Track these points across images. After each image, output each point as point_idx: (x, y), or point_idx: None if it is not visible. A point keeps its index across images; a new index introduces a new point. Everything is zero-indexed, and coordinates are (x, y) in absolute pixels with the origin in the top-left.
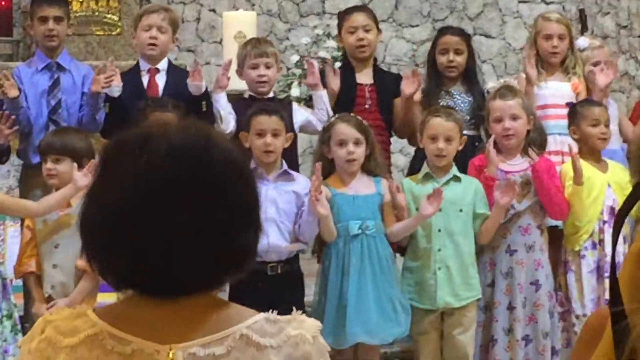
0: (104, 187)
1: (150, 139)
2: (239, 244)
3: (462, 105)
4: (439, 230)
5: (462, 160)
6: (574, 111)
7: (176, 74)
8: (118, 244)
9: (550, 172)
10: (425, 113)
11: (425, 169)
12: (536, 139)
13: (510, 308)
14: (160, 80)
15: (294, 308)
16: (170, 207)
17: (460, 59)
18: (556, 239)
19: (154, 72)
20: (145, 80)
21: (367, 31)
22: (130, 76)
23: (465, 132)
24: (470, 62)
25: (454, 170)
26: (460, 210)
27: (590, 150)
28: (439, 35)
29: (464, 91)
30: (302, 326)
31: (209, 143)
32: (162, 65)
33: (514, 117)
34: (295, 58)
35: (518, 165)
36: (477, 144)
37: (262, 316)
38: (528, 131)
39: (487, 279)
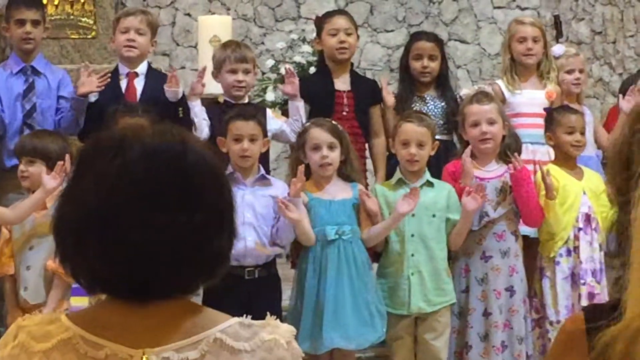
0: (79, 188)
1: (125, 142)
2: (212, 248)
3: (435, 110)
4: (412, 236)
5: (436, 165)
6: (551, 117)
7: (155, 78)
8: (91, 245)
9: (529, 180)
10: (397, 118)
11: (397, 174)
12: (511, 145)
13: (486, 314)
14: (139, 84)
15: (268, 313)
16: (143, 209)
17: (434, 65)
18: (531, 245)
19: (132, 76)
20: (123, 84)
21: (348, 34)
22: (109, 80)
23: (438, 137)
24: (444, 68)
25: (427, 176)
26: (434, 216)
27: (565, 157)
28: (412, 40)
29: (437, 96)
30: (276, 331)
31: (185, 147)
32: (141, 69)
33: (491, 122)
34: (270, 62)
35: (493, 172)
36: (450, 149)
37: (235, 320)
38: (503, 137)
39: (461, 285)
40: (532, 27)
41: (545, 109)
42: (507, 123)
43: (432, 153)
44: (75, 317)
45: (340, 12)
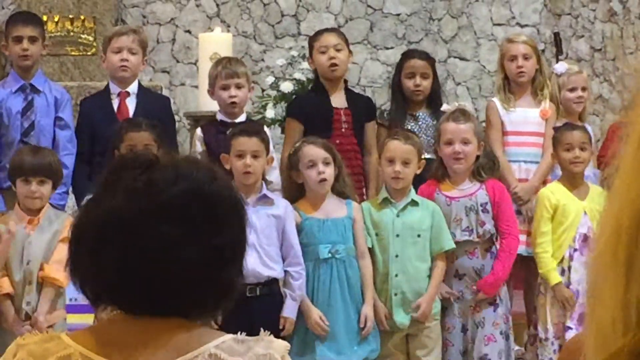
0: (103, 199)
1: (157, 161)
2: (223, 277)
3: (427, 128)
4: (396, 256)
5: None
6: (554, 136)
7: (147, 97)
8: (108, 254)
9: (503, 196)
10: (384, 136)
11: (383, 192)
12: (485, 165)
13: (464, 330)
14: (131, 103)
15: (262, 329)
16: (163, 225)
17: (426, 83)
18: (528, 263)
19: (124, 95)
20: (115, 103)
21: (338, 50)
22: (101, 100)
23: (429, 156)
24: (436, 86)
25: (412, 195)
26: (418, 236)
27: (568, 175)
28: (404, 59)
29: (429, 114)
30: (271, 346)
31: (213, 176)
32: (132, 88)
33: (465, 142)
34: (270, 79)
35: (466, 190)
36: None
37: (230, 336)
38: (477, 156)
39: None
40: (523, 45)
41: (553, 129)
42: (482, 143)
43: (418, 172)
44: (75, 335)
45: (329, 29)
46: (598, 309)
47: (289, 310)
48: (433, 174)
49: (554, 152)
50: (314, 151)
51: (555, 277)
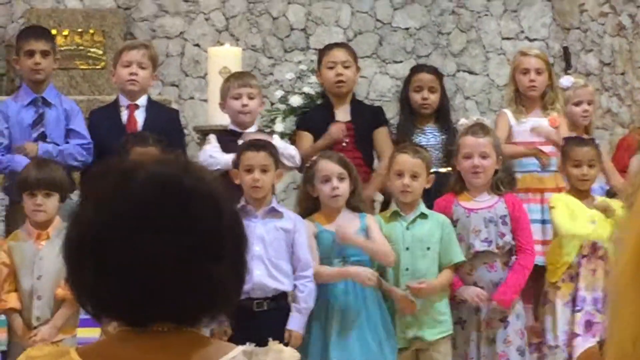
0: (84, 213)
1: (130, 169)
2: (207, 275)
3: (435, 143)
4: (407, 270)
5: (434, 198)
6: (563, 150)
7: (156, 109)
8: (92, 269)
9: (521, 212)
10: (393, 150)
11: (393, 206)
12: (504, 179)
13: (480, 345)
14: (140, 116)
15: (270, 338)
16: (142, 233)
17: (434, 97)
18: (542, 273)
19: (133, 108)
20: (124, 116)
21: (346, 67)
22: (109, 112)
23: (437, 169)
24: (443, 100)
25: (422, 208)
26: (428, 249)
27: (576, 190)
28: (412, 73)
29: (437, 129)
30: (281, 356)
31: (184, 172)
32: (142, 101)
33: (484, 155)
34: (279, 93)
35: (484, 202)
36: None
37: (240, 349)
38: (496, 170)
39: (454, 317)
40: (536, 59)
41: (564, 139)
42: (500, 157)
43: (428, 186)
44: (84, 351)
45: (339, 44)
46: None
47: (294, 323)
48: (451, 187)
49: (562, 165)
50: (329, 166)
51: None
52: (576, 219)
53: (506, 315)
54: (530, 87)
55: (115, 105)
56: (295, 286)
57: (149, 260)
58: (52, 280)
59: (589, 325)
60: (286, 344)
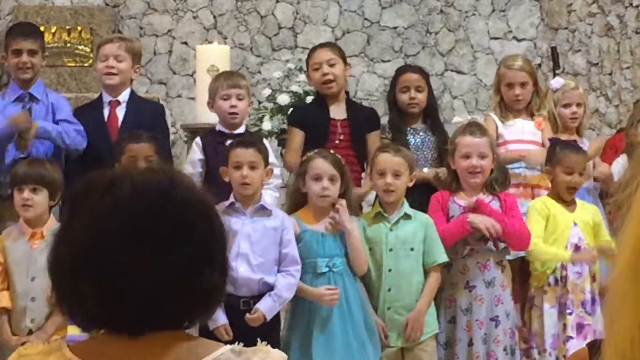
0: (71, 228)
1: (115, 180)
2: (204, 283)
3: (428, 142)
4: (390, 270)
5: (425, 198)
6: (553, 151)
7: (137, 105)
8: (84, 285)
9: (513, 205)
10: (375, 150)
11: (376, 207)
12: (498, 177)
13: (470, 344)
14: (120, 112)
15: (259, 339)
16: (133, 246)
17: (421, 96)
18: (526, 275)
19: (114, 104)
20: (106, 112)
21: (331, 65)
22: (92, 109)
23: (428, 169)
24: (431, 99)
25: (405, 208)
26: (412, 249)
27: (562, 193)
28: (398, 74)
29: (427, 128)
30: (268, 356)
31: (173, 183)
32: (123, 96)
33: (482, 155)
34: (267, 92)
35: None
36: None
37: (227, 348)
38: (491, 170)
39: (447, 315)
40: (521, 73)
41: (549, 139)
42: (496, 156)
43: (410, 184)
44: (76, 348)
45: (322, 44)
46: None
47: (263, 304)
48: (447, 186)
49: (549, 167)
50: (322, 165)
51: (564, 255)
52: (556, 225)
53: (496, 315)
54: (516, 101)
55: (98, 102)
56: (278, 275)
57: (148, 273)
58: (46, 283)
59: (580, 327)
60: (261, 327)
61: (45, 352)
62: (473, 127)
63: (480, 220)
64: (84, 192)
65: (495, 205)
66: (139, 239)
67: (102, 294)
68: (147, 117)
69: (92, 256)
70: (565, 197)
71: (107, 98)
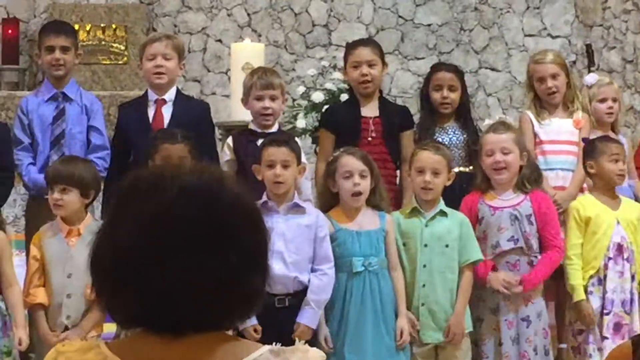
0: (115, 227)
1: (163, 180)
2: (246, 287)
3: (457, 141)
4: (424, 266)
5: (457, 196)
6: (593, 146)
7: (183, 104)
8: (126, 283)
9: (548, 211)
10: (414, 147)
11: (413, 202)
12: (530, 175)
13: (500, 344)
14: (167, 111)
15: (297, 339)
16: (178, 248)
17: (454, 96)
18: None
19: (160, 103)
20: (151, 111)
21: (370, 66)
22: (137, 107)
23: (459, 169)
24: (464, 99)
25: (441, 205)
26: (447, 246)
27: (606, 186)
28: (432, 71)
29: (458, 127)
30: (306, 356)
31: (221, 187)
32: (170, 95)
33: (505, 152)
34: (301, 89)
35: (509, 201)
36: (470, 181)
37: (266, 348)
38: (521, 167)
39: (474, 315)
40: (551, 65)
41: (583, 139)
42: (525, 153)
43: (448, 183)
44: (114, 345)
45: (364, 42)
46: None
47: (304, 317)
48: (477, 186)
49: (592, 161)
50: (352, 162)
51: (580, 294)
52: (599, 224)
53: (527, 315)
54: (550, 94)
55: (143, 100)
56: (312, 275)
57: (191, 276)
58: (82, 279)
59: (617, 327)
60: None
61: (83, 349)
62: (497, 124)
63: (499, 283)
64: (130, 191)
65: (526, 207)
66: (185, 242)
67: (143, 295)
68: (194, 116)
69: (136, 256)
70: (616, 183)
71: (153, 97)
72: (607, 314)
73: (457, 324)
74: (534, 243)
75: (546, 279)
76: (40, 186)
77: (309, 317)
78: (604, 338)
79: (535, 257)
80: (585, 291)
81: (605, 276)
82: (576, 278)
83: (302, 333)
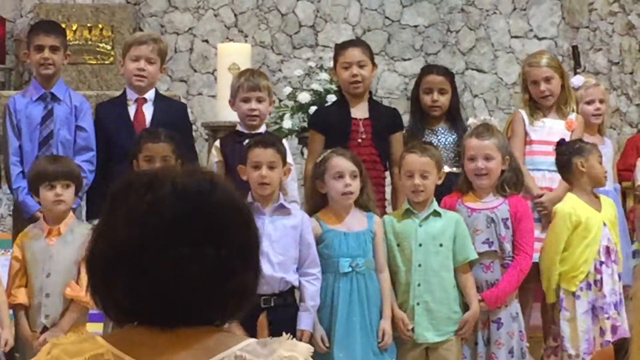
0: (111, 225)
1: (156, 180)
2: (237, 284)
3: (447, 142)
4: (419, 266)
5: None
6: (582, 145)
7: (164, 103)
8: (120, 280)
9: (523, 217)
10: (402, 150)
11: (405, 204)
12: (511, 179)
13: (475, 343)
14: (148, 110)
15: (284, 332)
16: (171, 244)
17: (444, 99)
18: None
19: (141, 102)
20: (132, 110)
21: (361, 67)
22: (117, 106)
23: (449, 169)
24: (454, 101)
25: (434, 205)
26: (441, 245)
27: (592, 185)
28: (422, 74)
29: (448, 129)
30: (295, 349)
31: (213, 185)
32: (150, 95)
33: (488, 157)
34: (287, 90)
35: (488, 203)
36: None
37: (254, 340)
38: (502, 170)
39: None
40: (544, 68)
41: (560, 140)
42: (507, 157)
43: (439, 182)
44: (109, 336)
45: (354, 42)
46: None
47: (304, 323)
48: (458, 187)
49: (584, 160)
50: (342, 163)
51: (552, 297)
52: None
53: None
54: (544, 97)
55: (122, 99)
56: (301, 283)
57: (183, 271)
58: (61, 279)
59: (614, 330)
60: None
61: (79, 340)
62: (480, 129)
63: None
64: (125, 190)
65: (504, 210)
66: (177, 238)
67: (137, 289)
68: (173, 115)
69: (129, 252)
70: (602, 184)
71: (133, 95)
72: (607, 318)
73: (474, 319)
74: (508, 247)
75: (513, 290)
76: (28, 209)
77: (309, 322)
78: (606, 342)
79: (510, 260)
80: (573, 295)
81: (596, 281)
82: (552, 282)
83: (307, 338)
